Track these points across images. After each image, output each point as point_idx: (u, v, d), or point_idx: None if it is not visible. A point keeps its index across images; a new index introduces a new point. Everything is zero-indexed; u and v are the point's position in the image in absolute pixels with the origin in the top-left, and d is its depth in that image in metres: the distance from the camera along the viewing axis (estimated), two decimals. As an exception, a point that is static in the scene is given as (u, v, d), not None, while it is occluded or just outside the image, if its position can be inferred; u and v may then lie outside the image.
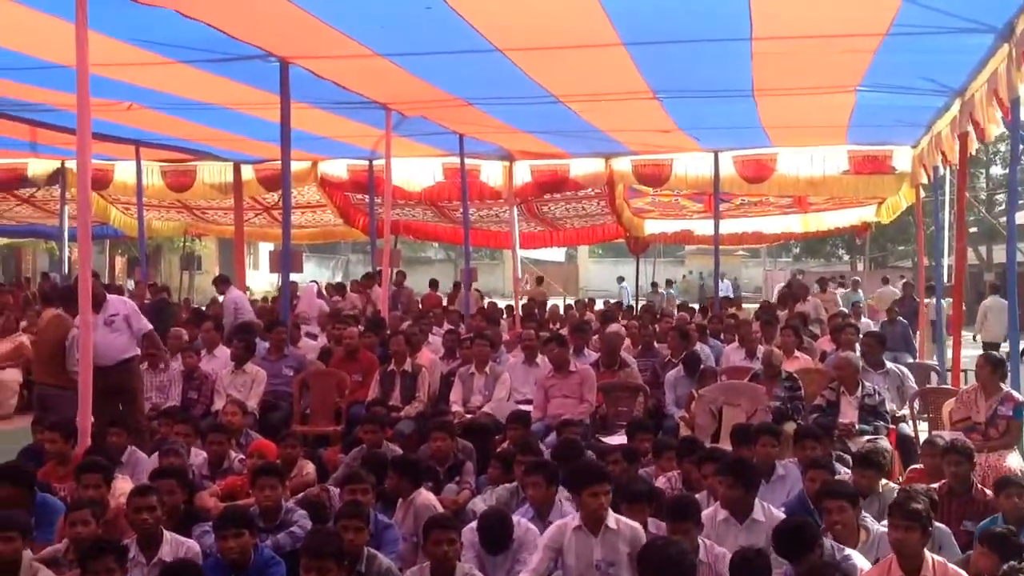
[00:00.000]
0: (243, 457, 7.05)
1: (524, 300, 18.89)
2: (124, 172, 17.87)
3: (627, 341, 11.60)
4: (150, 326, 8.99)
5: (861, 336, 10.52)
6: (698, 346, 10.99)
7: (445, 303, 18.35)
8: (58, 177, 18.27)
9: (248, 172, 18.05)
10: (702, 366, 9.86)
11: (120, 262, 35.35)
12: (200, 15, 8.00)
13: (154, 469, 6.36)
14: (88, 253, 7.46)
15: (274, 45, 9.25)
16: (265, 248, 38.58)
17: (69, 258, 20.38)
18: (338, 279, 40.50)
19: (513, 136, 14.66)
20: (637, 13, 7.96)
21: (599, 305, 20.97)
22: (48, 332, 8.77)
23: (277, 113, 10.44)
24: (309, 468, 7.04)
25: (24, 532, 4.98)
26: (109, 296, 8.96)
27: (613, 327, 11.48)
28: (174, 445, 6.98)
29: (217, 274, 16.48)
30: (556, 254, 43.91)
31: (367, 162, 17.31)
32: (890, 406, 8.76)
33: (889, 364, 9.63)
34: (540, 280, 25.95)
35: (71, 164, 17.82)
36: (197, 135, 14.71)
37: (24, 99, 11.72)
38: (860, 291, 21.99)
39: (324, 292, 17.66)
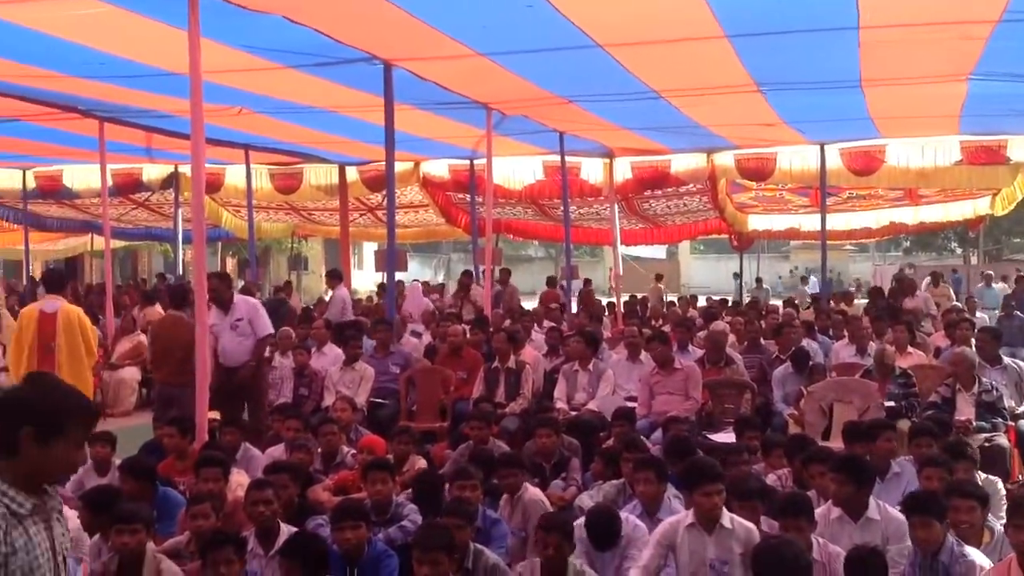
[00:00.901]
0: (355, 452, 7.18)
1: (618, 295, 18.75)
2: (234, 175, 18.36)
3: (732, 338, 11.47)
4: (270, 330, 9.27)
5: (976, 331, 10.21)
6: (805, 342, 10.81)
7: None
8: (172, 181, 18.89)
9: (352, 174, 18.39)
10: (811, 362, 9.70)
11: (231, 263, 36.32)
12: (307, 20, 8.18)
13: (269, 463, 6.53)
14: (203, 256, 7.70)
15: (378, 48, 9.40)
16: (369, 248, 39.33)
17: (183, 260, 21.03)
18: (440, 278, 40.98)
19: (613, 133, 14.61)
20: (741, 5, 7.86)
21: (701, 302, 20.80)
22: (170, 332, 9.07)
23: (381, 115, 10.60)
24: (420, 463, 7.13)
25: (147, 525, 5.16)
26: (236, 298, 9.28)
27: (717, 324, 11.33)
28: (304, 441, 7.16)
29: (329, 270, 16.81)
30: (657, 251, 43.64)
31: (468, 162, 17.46)
32: (1008, 402, 8.48)
33: (1007, 359, 9.33)
34: (659, 277, 25.85)
35: (184, 168, 18.42)
36: (304, 138, 15.04)
37: (139, 106, 12.15)
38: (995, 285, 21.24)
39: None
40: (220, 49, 8.62)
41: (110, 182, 15.40)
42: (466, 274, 17.02)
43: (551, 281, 19.90)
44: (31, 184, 19.12)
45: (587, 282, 20.42)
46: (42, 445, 2.73)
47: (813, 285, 29.59)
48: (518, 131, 14.07)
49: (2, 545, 2.65)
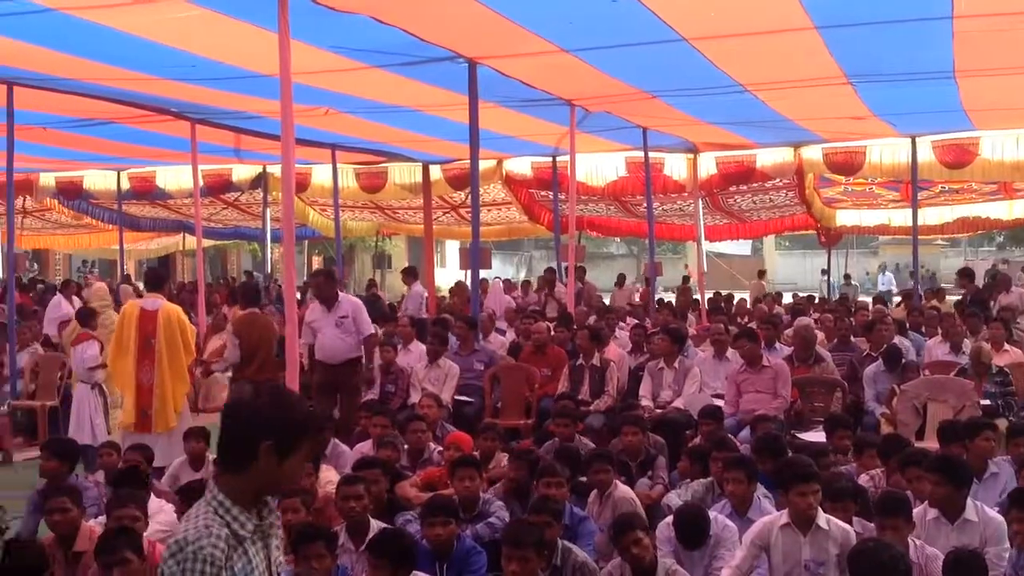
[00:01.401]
0: (442, 449, 7.23)
1: (702, 292, 18.56)
2: (321, 175, 18.63)
3: (820, 335, 11.27)
4: (372, 329, 9.43)
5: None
6: (897, 339, 10.57)
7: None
8: (260, 181, 19.24)
9: (436, 172, 18.52)
10: (903, 360, 9.49)
11: (316, 261, 36.84)
12: (394, 20, 8.25)
13: (359, 459, 6.60)
14: (292, 254, 7.85)
15: (463, 46, 9.44)
16: (452, 246, 39.67)
17: (271, 258, 21.43)
18: (522, 275, 41.03)
19: (698, 128, 14.46)
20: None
21: (787, 298, 20.48)
22: (248, 330, 9.25)
23: (465, 113, 10.64)
24: (506, 460, 7.14)
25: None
26: (340, 296, 9.45)
27: (804, 320, 11.16)
28: (392, 438, 7.24)
29: (404, 268, 16.99)
30: (741, 247, 43.10)
31: (551, 159, 17.45)
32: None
33: (1109, 357, 9.01)
34: (762, 273, 25.60)
35: (272, 169, 18.76)
36: (388, 137, 15.19)
37: (229, 107, 12.40)
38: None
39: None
40: (308, 50, 8.75)
41: (201, 183, 15.73)
42: (550, 271, 17.03)
43: (621, 279, 19.81)
44: (125, 185, 19.68)
45: (685, 280, 20.33)
46: (279, 460, 2.68)
47: (887, 281, 28.93)
48: (601, 127, 14.02)
49: (224, 572, 2.59)
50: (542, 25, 8.54)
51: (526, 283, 19.78)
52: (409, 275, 15.21)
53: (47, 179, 19.93)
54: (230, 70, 9.90)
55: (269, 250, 21.26)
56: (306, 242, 30.52)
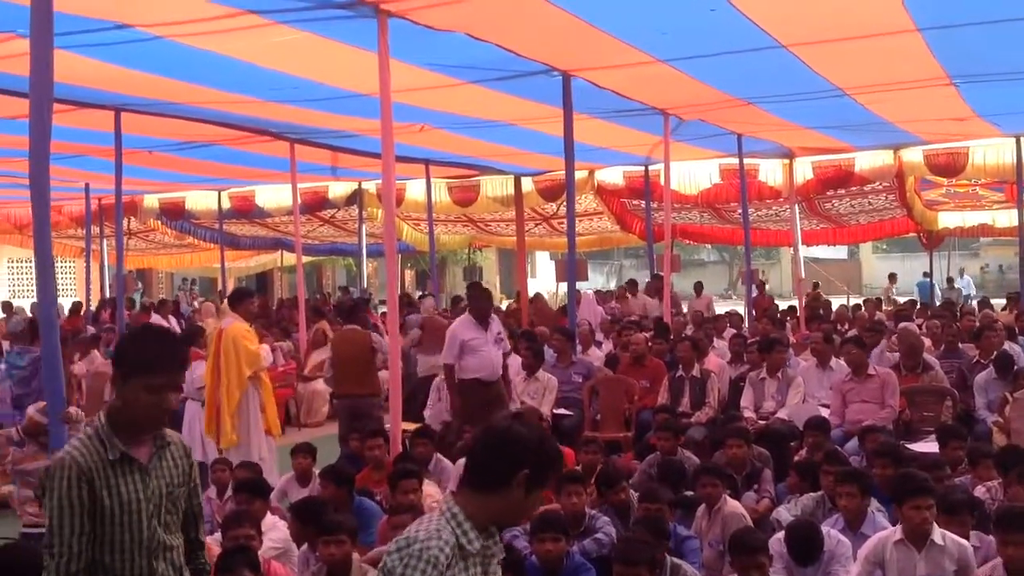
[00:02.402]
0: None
1: (801, 299, 18.22)
2: (415, 190, 18.86)
3: (927, 342, 10.99)
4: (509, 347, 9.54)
5: None
6: (1007, 345, 10.25)
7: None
8: (356, 198, 19.56)
9: (528, 184, 18.58)
10: (1015, 367, 9.19)
11: (409, 275, 37.30)
12: (489, 36, 8.31)
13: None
14: (394, 269, 7.98)
15: (557, 59, 9.46)
16: (542, 257, 39.69)
17: (366, 273, 21.75)
18: (612, 284, 40.86)
19: (794, 133, 14.24)
20: (934, -4, 7.56)
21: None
22: (349, 346, 9.38)
23: (557, 126, 10.66)
24: (609, 474, 7.11)
25: (352, 536, 5.32)
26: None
27: (909, 325, 10.88)
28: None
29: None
30: (836, 251, 42.22)
31: (643, 168, 17.38)
32: None
33: None
34: (892, 277, 25.30)
35: (367, 185, 19.10)
36: (481, 151, 15.30)
37: (327, 127, 12.65)
38: None
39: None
40: (406, 68, 8.86)
41: (299, 200, 16.05)
42: (636, 281, 16.95)
43: (699, 287, 19.55)
44: (226, 205, 20.20)
45: (815, 286, 20.00)
46: (528, 491, 2.75)
47: (967, 285, 28.03)
48: (695, 135, 13.91)
49: None
50: (637, 36, 8.50)
51: (623, 289, 19.65)
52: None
53: (151, 201, 20.57)
54: (330, 91, 10.09)
55: (365, 265, 21.55)
56: (399, 256, 30.89)
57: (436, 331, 11.60)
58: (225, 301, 16.97)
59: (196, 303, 22.17)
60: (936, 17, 8.05)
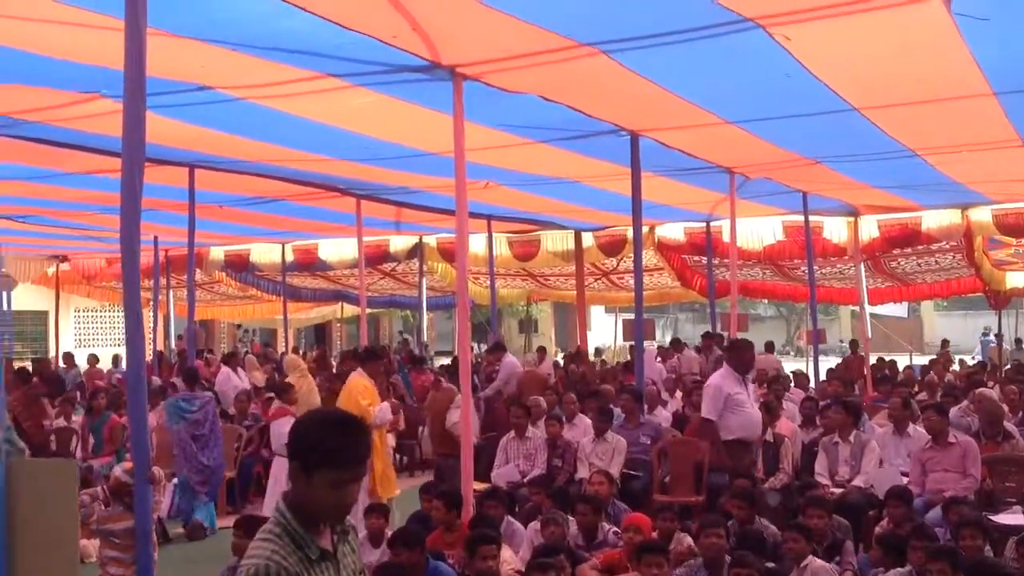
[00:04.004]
0: (617, 530, 7.12)
1: (867, 358, 17.90)
2: (475, 244, 18.92)
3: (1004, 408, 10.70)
4: None
5: None
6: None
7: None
8: (416, 251, 19.70)
9: (588, 239, 18.59)
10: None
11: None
12: (560, 98, 8.36)
13: (541, 544, 6.54)
14: (466, 323, 7.98)
15: (626, 119, 9.48)
16: (597, 311, 39.55)
17: (425, 325, 21.83)
18: (667, 339, 40.58)
19: (860, 191, 14.11)
20: (1014, 62, 7.45)
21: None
22: (438, 404, 9.38)
23: (620, 183, 10.73)
24: (687, 541, 6.97)
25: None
26: None
27: (988, 393, 10.60)
28: (554, 515, 7.17)
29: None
30: (897, 308, 41.53)
31: (704, 224, 17.32)
32: None
33: None
34: (945, 344, 24.78)
35: (428, 239, 19.24)
36: (543, 207, 15.36)
37: (392, 183, 12.78)
38: None
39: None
40: (475, 128, 8.93)
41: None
42: (707, 337, 16.77)
43: (769, 346, 19.27)
44: (289, 257, 20.45)
45: (853, 344, 19.68)
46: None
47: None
48: (759, 193, 13.84)
49: None
50: (707, 98, 8.50)
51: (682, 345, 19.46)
52: (497, 349, 15.32)
53: (216, 253, 20.88)
54: (399, 149, 10.19)
55: (425, 318, 21.62)
56: (456, 309, 30.99)
57: (535, 383, 11.64)
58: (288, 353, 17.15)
59: (262, 353, 22.26)
60: (1013, 82, 7.95)
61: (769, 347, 18.97)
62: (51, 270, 22.67)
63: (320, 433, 2.93)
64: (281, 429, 9.95)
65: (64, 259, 22.56)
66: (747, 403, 8.53)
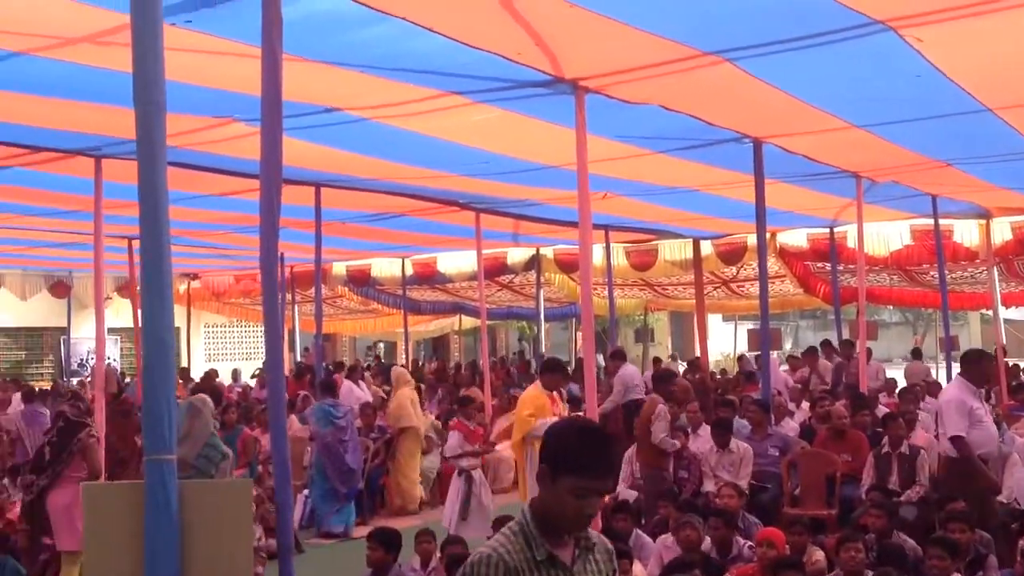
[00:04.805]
0: (750, 543, 7.02)
1: (1001, 367, 17.22)
2: (593, 255, 18.86)
3: None
4: None
5: None
6: None
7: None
8: (533, 263, 19.79)
9: (707, 247, 18.39)
10: None
11: (580, 338, 37.29)
12: (682, 107, 8.30)
13: (677, 558, 6.49)
14: (591, 339, 7.96)
15: (749, 127, 9.36)
16: (714, 320, 39.03)
17: (542, 336, 21.89)
18: (788, 346, 39.75)
19: (993, 193, 13.63)
20: None
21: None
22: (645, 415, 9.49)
23: (740, 190, 10.60)
24: (818, 555, 6.83)
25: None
26: None
27: None
28: (690, 519, 7.12)
29: (616, 348, 16.76)
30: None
31: (828, 230, 16.97)
32: None
33: None
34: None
35: (545, 251, 19.31)
36: (661, 216, 15.25)
37: (512, 197, 12.88)
38: None
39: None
40: (596, 140, 8.94)
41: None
42: (826, 345, 16.41)
43: (917, 353, 18.65)
44: (409, 271, 20.79)
45: (916, 353, 19.07)
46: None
47: None
48: (886, 197, 13.47)
49: None
50: (833, 103, 8.34)
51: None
52: (618, 357, 15.12)
53: (339, 268, 21.38)
54: (519, 163, 10.27)
55: (543, 329, 21.69)
56: (572, 320, 31.00)
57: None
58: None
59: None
60: None
61: (916, 355, 18.42)
62: (183, 287, 23.52)
63: (569, 440, 2.98)
64: (451, 442, 10.46)
65: (195, 277, 23.40)
66: (985, 417, 8.11)
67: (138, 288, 13.99)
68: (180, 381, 20.88)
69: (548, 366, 10.06)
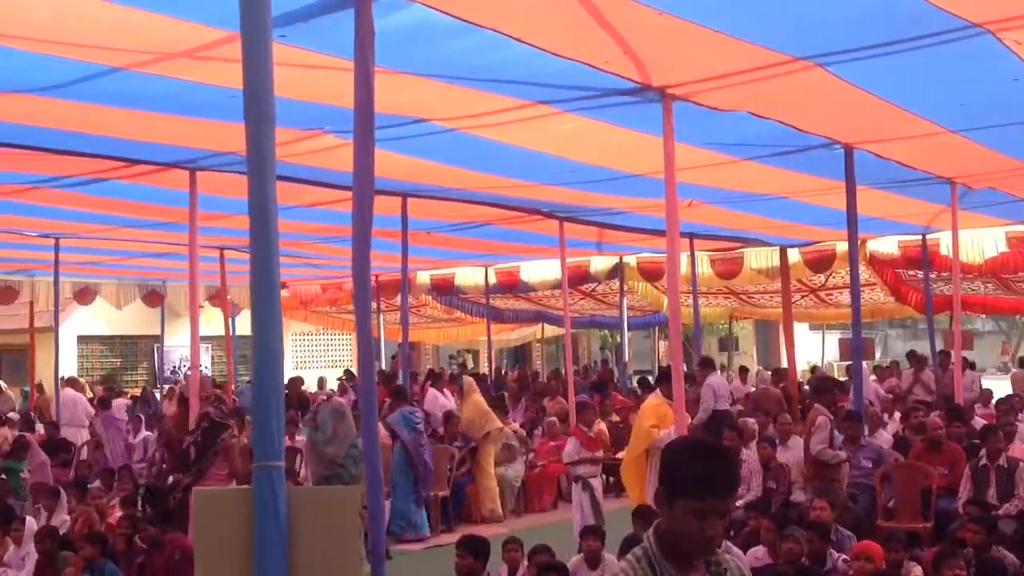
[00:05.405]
0: (845, 557, 6.88)
1: None
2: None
3: None
4: None
5: None
6: None
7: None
8: (616, 271, 19.71)
9: (794, 255, 18.08)
10: None
11: (662, 346, 37.03)
12: (770, 113, 8.19)
13: (768, 566, 6.40)
14: (679, 348, 7.88)
15: (841, 132, 9.20)
16: (800, 328, 38.40)
17: (625, 345, 21.79)
18: (878, 355, 38.92)
19: (1093, 198, 13.19)
20: None
21: None
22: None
23: (829, 197, 10.45)
24: (916, 571, 6.67)
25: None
26: None
27: None
28: (794, 531, 7.01)
29: (703, 356, 16.44)
30: None
31: (920, 237, 16.58)
32: None
33: None
34: None
35: (628, 259, 19.22)
36: (747, 224, 15.05)
37: (596, 205, 12.85)
38: None
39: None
40: (682, 148, 8.87)
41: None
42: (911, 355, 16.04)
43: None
44: (492, 280, 20.87)
45: None
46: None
47: None
48: (982, 203, 13.12)
49: None
50: (928, 108, 8.16)
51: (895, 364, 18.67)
52: (706, 366, 14.88)
53: (423, 277, 21.57)
54: (604, 172, 10.24)
55: (626, 338, 21.59)
56: (654, 328, 30.84)
57: (770, 401, 11.45)
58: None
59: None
60: None
61: (1023, 363, 17.92)
62: (272, 297, 23.87)
63: (682, 459, 2.87)
64: (568, 448, 10.53)
65: (283, 286, 23.79)
66: None
67: (228, 296, 14.31)
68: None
69: (667, 375, 9.74)
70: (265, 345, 3.74)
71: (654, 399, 9.29)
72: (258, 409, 3.63)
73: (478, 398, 14.04)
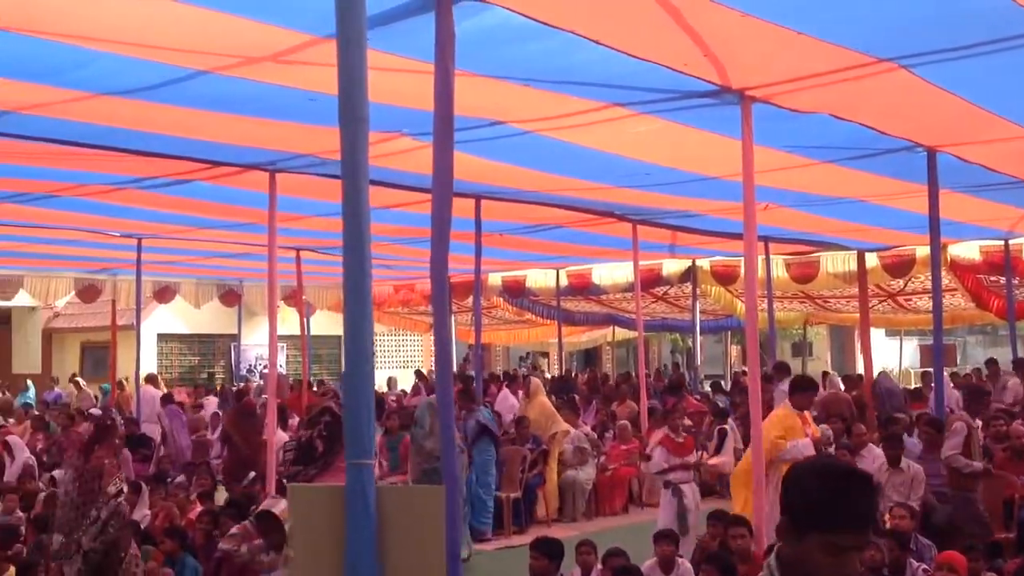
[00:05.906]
0: (926, 567, 6.75)
1: None
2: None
3: None
4: None
5: None
6: None
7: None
8: (689, 275, 19.58)
9: (872, 260, 17.78)
10: None
11: (734, 351, 36.67)
12: (852, 116, 8.07)
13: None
14: (755, 347, 7.81)
15: (923, 135, 9.03)
16: (877, 334, 37.71)
17: (697, 349, 21.63)
18: (958, 362, 38.04)
19: None
20: None
21: None
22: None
23: (910, 201, 10.28)
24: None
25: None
26: None
27: None
28: (875, 540, 6.89)
29: (779, 361, 16.21)
30: None
31: (1002, 242, 16.21)
32: None
33: None
34: None
35: (701, 262, 19.08)
36: (823, 227, 14.84)
37: (669, 208, 12.78)
38: None
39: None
40: (761, 150, 8.77)
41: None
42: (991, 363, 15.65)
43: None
44: (563, 282, 20.88)
45: None
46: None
47: None
48: (1067, 208, 12.81)
49: None
50: (1016, 110, 7.97)
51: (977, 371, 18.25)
52: (782, 370, 14.58)
53: (495, 279, 21.66)
54: (679, 174, 10.18)
55: (698, 342, 21.43)
56: (726, 333, 30.58)
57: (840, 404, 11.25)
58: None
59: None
60: None
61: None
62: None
63: (810, 487, 2.48)
64: (656, 458, 10.48)
65: (358, 287, 24.03)
66: None
67: (304, 297, 14.45)
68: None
69: (799, 384, 9.50)
70: (358, 345, 3.80)
71: (782, 410, 8.88)
72: (349, 408, 3.70)
73: (543, 400, 14.07)
